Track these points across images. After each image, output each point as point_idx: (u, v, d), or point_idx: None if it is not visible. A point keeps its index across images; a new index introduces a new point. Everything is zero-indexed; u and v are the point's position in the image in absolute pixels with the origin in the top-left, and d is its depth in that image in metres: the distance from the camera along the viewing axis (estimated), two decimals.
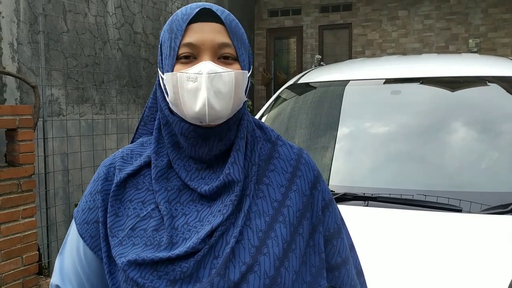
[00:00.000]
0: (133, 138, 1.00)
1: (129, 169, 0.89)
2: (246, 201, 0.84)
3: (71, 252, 0.93)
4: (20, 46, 4.02)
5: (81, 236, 0.90)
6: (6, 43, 3.89)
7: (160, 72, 0.89)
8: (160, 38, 0.90)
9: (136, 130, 1.00)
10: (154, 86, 0.95)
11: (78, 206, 0.94)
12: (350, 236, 0.99)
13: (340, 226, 0.95)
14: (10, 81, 3.93)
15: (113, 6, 5.08)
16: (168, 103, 0.87)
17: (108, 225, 0.86)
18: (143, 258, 0.79)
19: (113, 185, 0.88)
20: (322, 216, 0.92)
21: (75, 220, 0.92)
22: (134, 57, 5.36)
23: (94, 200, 0.90)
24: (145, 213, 0.85)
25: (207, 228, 0.81)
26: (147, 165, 0.90)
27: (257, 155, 0.90)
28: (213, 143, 0.85)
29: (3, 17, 3.86)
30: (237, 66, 0.85)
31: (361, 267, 1.00)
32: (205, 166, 0.87)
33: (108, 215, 0.86)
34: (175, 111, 0.86)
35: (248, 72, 0.88)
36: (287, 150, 0.94)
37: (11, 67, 3.93)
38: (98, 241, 0.88)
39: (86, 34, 4.71)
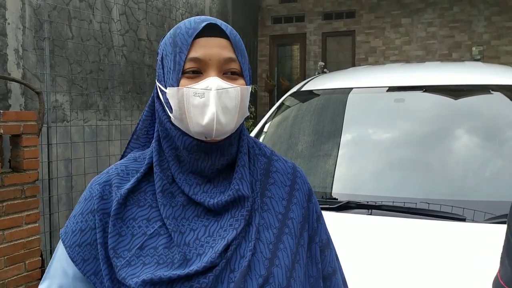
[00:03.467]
0: (124, 151, 0.98)
1: (128, 185, 0.86)
2: (255, 215, 0.85)
3: (58, 277, 0.87)
4: (25, 52, 4.05)
5: (72, 259, 0.84)
6: (11, 49, 3.92)
7: (160, 86, 0.87)
8: (161, 51, 0.88)
9: (128, 143, 0.98)
10: (150, 99, 0.93)
11: (65, 227, 0.88)
12: (334, 247, 1.02)
13: (329, 237, 0.99)
14: (15, 87, 3.95)
15: (118, 13, 5.11)
16: (169, 116, 0.86)
17: (110, 246, 0.81)
18: (159, 277, 0.77)
19: (114, 203, 0.84)
20: (316, 228, 0.95)
21: (63, 242, 0.86)
22: (138, 64, 5.39)
23: (87, 221, 0.85)
24: (152, 230, 0.83)
25: (221, 243, 0.80)
26: (146, 179, 0.88)
27: (258, 171, 0.92)
28: (216, 158, 0.85)
29: (8, 23, 3.90)
30: (241, 81, 0.85)
31: (344, 276, 1.03)
32: (206, 181, 0.86)
33: (109, 236, 0.82)
34: (178, 125, 0.84)
35: (250, 85, 0.89)
36: (283, 164, 0.96)
37: (16, 73, 3.95)
38: (91, 265, 0.84)
39: (91, 40, 4.74)
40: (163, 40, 0.88)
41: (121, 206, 0.84)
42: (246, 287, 0.80)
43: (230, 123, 0.83)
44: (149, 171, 0.88)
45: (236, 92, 0.83)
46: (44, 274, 0.91)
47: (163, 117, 0.87)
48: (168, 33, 0.88)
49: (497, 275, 0.97)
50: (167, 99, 0.84)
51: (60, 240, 0.88)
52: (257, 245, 0.83)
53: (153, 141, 0.90)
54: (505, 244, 0.96)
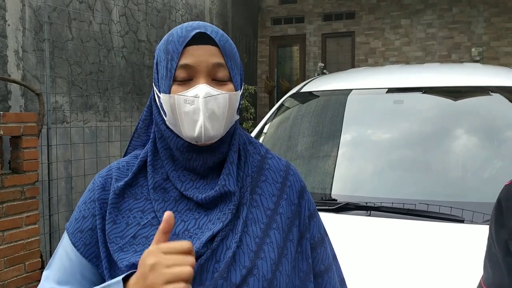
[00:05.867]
0: (126, 150, 1.03)
1: (126, 178, 0.92)
2: (243, 209, 0.89)
3: (62, 263, 0.93)
4: (25, 53, 4.05)
5: (74, 244, 0.91)
6: (11, 51, 3.93)
7: (156, 90, 0.92)
8: (156, 57, 0.93)
9: (130, 142, 1.02)
10: (149, 100, 0.98)
11: (71, 217, 0.95)
12: (332, 247, 1.04)
13: (323, 235, 1.00)
14: (15, 88, 3.95)
15: (118, 14, 5.12)
16: (163, 119, 0.91)
17: (106, 232, 0.88)
18: None
19: (111, 194, 0.90)
20: (308, 225, 0.97)
21: (67, 231, 0.93)
22: (138, 65, 5.39)
23: (89, 209, 0.91)
24: (145, 221, 0.88)
25: (208, 234, 0.85)
26: (143, 174, 0.93)
27: (250, 167, 0.95)
28: (207, 157, 0.90)
29: (8, 25, 3.90)
30: (230, 86, 0.90)
31: (343, 276, 1.04)
32: (199, 177, 0.91)
33: (106, 222, 0.88)
34: (172, 129, 0.90)
35: (240, 90, 0.93)
36: (276, 162, 1.00)
37: (16, 75, 3.96)
38: (93, 249, 0.90)
39: (91, 42, 4.74)
40: (158, 46, 0.93)
41: (118, 197, 0.90)
42: (230, 277, 0.83)
43: (218, 129, 0.87)
44: (145, 166, 0.94)
45: (224, 99, 0.87)
46: (48, 263, 0.96)
47: (159, 119, 0.92)
48: (163, 38, 0.93)
49: (480, 282, 0.98)
50: (161, 104, 0.90)
51: (65, 230, 0.94)
52: (243, 238, 0.87)
53: (149, 141, 0.95)
54: (487, 248, 0.97)
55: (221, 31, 0.92)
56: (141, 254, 0.83)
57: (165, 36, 0.92)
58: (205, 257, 0.83)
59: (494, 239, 0.93)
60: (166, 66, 0.88)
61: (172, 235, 0.84)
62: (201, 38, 0.88)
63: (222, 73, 0.88)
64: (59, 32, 4.39)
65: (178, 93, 0.86)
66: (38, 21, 4.16)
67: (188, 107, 0.85)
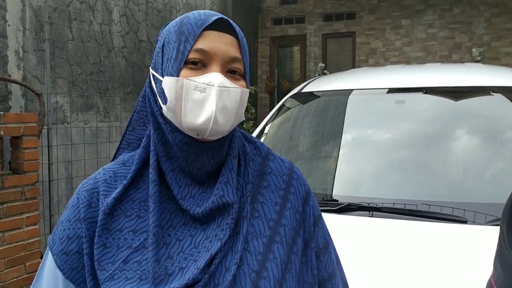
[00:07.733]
0: (119, 146, 0.93)
1: (115, 193, 0.82)
2: (243, 223, 0.81)
3: (48, 283, 0.84)
4: (25, 54, 4.05)
5: (59, 268, 0.81)
6: (12, 51, 3.92)
7: (155, 74, 0.82)
8: (162, 38, 0.84)
9: (123, 136, 0.92)
10: (144, 89, 0.88)
11: (53, 234, 0.85)
12: (336, 250, 0.98)
13: (327, 241, 0.94)
14: (15, 88, 3.95)
15: (118, 15, 5.12)
16: (160, 108, 0.81)
17: (95, 257, 0.79)
18: None
19: (101, 213, 0.80)
20: (312, 232, 0.90)
21: (51, 249, 0.83)
22: (139, 65, 5.39)
23: (74, 229, 0.82)
24: (138, 243, 0.79)
25: (205, 256, 0.77)
26: (134, 186, 0.84)
27: (250, 173, 0.87)
28: (206, 160, 0.81)
29: (9, 25, 3.90)
30: (243, 82, 0.83)
31: (346, 279, 0.99)
32: (195, 182, 0.82)
33: (95, 246, 0.79)
34: (170, 118, 0.80)
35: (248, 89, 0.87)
36: (279, 164, 0.92)
37: (16, 75, 3.95)
38: (81, 273, 0.81)
39: (91, 42, 4.74)
40: (167, 27, 0.85)
41: (108, 217, 0.81)
42: None
43: (226, 124, 0.79)
44: (136, 177, 0.84)
45: (237, 93, 0.79)
46: (33, 282, 0.88)
47: (155, 108, 0.82)
48: (174, 21, 0.84)
49: (490, 279, 0.96)
50: (162, 88, 0.80)
51: (48, 246, 0.85)
52: (244, 257, 0.79)
53: (145, 135, 0.86)
54: (498, 248, 0.94)
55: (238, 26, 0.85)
56: (132, 282, 0.76)
57: (177, 19, 0.83)
58: (202, 283, 0.75)
59: (507, 242, 0.91)
60: (177, 48, 0.79)
61: (166, 258, 0.78)
62: (221, 26, 0.81)
63: (238, 68, 0.81)
64: (60, 32, 4.39)
65: (189, 78, 0.77)
66: (38, 21, 4.16)
67: (198, 94, 0.76)
